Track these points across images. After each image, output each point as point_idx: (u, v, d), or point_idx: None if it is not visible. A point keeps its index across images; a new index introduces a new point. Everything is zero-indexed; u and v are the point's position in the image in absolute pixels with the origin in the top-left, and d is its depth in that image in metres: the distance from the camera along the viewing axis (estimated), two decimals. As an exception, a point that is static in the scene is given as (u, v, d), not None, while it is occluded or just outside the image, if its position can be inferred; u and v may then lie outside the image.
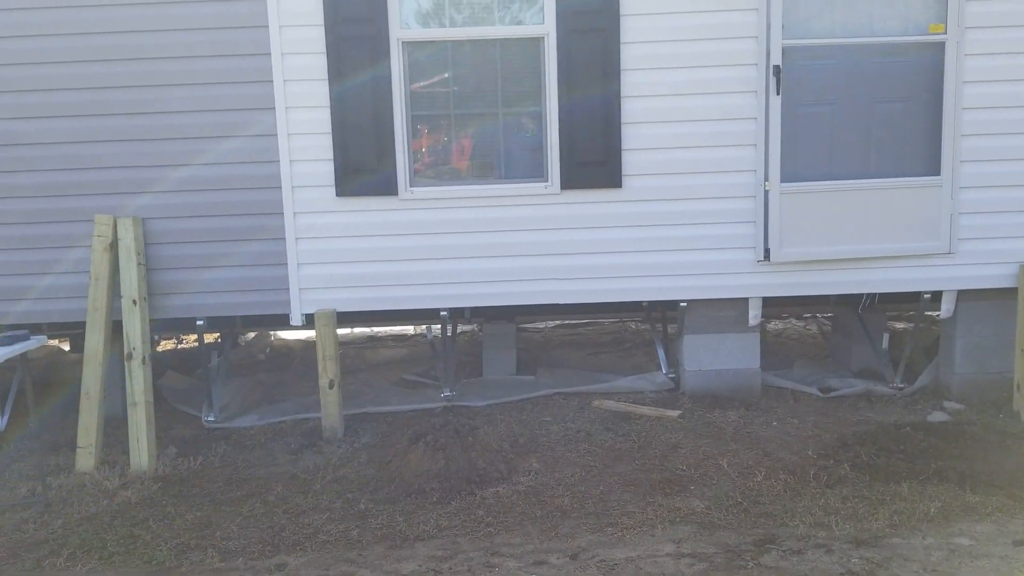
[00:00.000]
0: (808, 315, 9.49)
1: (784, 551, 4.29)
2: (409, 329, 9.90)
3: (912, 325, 8.19)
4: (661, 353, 7.24)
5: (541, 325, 9.71)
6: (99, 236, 6.02)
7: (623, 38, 6.07)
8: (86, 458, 5.83)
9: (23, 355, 5.45)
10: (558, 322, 9.73)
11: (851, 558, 4.21)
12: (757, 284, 6.37)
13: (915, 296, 6.67)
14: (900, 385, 6.73)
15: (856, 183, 6.23)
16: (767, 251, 6.25)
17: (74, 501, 5.28)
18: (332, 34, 6.03)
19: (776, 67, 5.99)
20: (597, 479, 5.28)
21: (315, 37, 6.06)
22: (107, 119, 6.10)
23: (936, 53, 6.17)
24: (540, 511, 4.87)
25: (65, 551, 4.60)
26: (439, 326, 6.99)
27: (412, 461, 5.34)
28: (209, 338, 8.37)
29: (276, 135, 6.12)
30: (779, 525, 4.59)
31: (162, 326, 6.90)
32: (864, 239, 6.27)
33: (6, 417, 6.59)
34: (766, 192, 6.18)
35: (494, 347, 7.52)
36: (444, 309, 6.51)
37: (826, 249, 6.25)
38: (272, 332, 9.29)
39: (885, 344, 6.92)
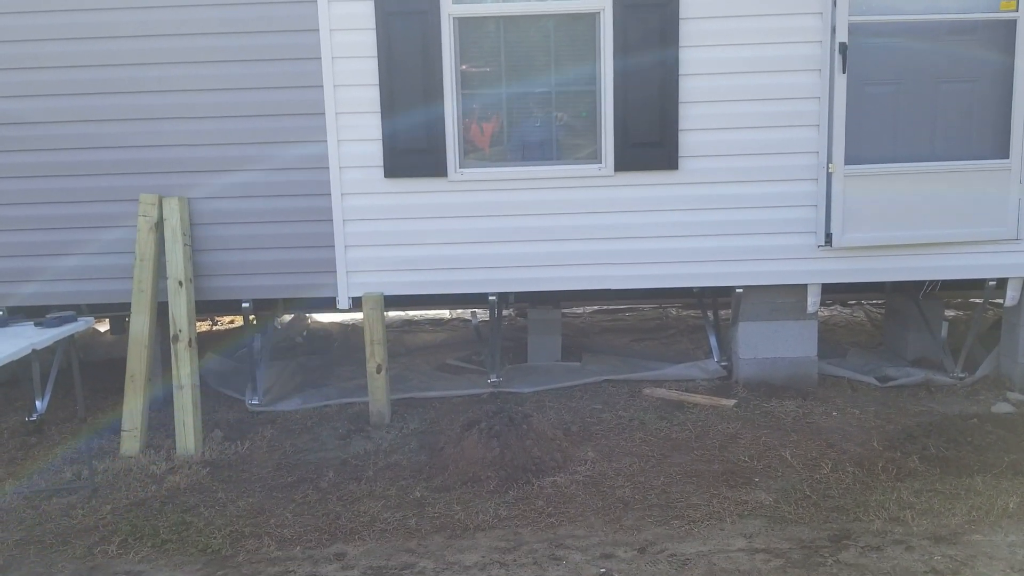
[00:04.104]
0: (853, 302, 9.29)
1: (862, 547, 4.13)
2: (445, 313, 9.76)
3: (969, 312, 8.03)
4: (713, 340, 7.07)
5: (579, 311, 9.55)
6: (144, 216, 5.90)
7: (682, 13, 5.87)
8: (131, 442, 5.73)
9: (69, 337, 5.34)
10: (596, 307, 9.57)
11: (933, 555, 4.04)
12: (817, 270, 6.17)
13: (973, 283, 6.48)
14: (960, 375, 6.54)
15: (921, 166, 6.01)
16: (828, 236, 6.06)
17: (121, 486, 5.18)
18: (382, 9, 5.87)
19: (842, 44, 5.77)
20: (656, 469, 5.13)
21: (364, 12, 5.89)
22: (153, 96, 5.97)
23: (1007, 31, 5.93)
24: (601, 502, 4.72)
25: (116, 538, 4.49)
26: (481, 311, 6.84)
27: (466, 449, 5.20)
28: (240, 319, 8.27)
29: (324, 114, 5.97)
30: (852, 520, 4.42)
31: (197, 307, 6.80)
32: (928, 224, 6.07)
33: (47, 399, 6.49)
34: (829, 175, 5.98)
35: (539, 333, 7.36)
36: (492, 294, 6.37)
37: (890, 234, 6.05)
38: (309, 315, 9.18)
39: (944, 333, 6.71)
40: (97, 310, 6.58)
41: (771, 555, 4.09)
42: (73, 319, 5.24)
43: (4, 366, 4.71)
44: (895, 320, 7.38)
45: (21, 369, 5.89)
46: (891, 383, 6.53)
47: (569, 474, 5.08)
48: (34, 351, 4.84)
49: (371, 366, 6.11)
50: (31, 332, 5.01)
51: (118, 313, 7.00)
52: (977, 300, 7.05)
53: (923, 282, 6.48)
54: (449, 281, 6.24)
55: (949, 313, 8.21)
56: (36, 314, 5.89)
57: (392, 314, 9.44)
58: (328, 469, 5.29)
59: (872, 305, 9.12)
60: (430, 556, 4.21)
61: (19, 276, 6.16)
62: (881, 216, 6.04)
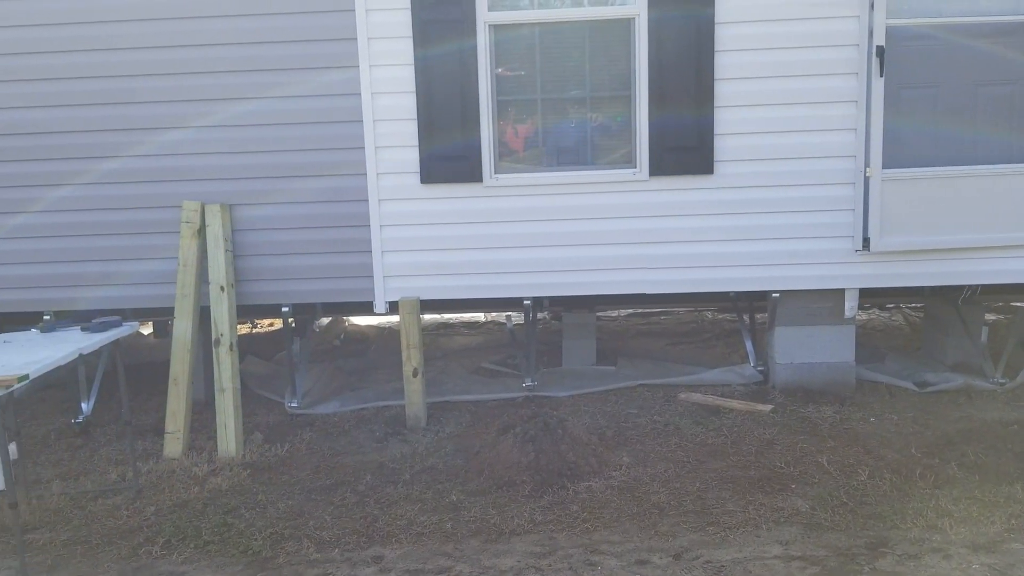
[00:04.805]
0: (891, 305, 9.20)
1: (900, 555, 4.11)
2: (480, 316, 9.82)
3: (1010, 317, 7.92)
4: (749, 345, 7.05)
5: (614, 314, 9.56)
6: (187, 222, 6.02)
7: (717, 18, 5.87)
8: (174, 444, 5.85)
9: (114, 341, 5.45)
10: (631, 311, 9.57)
11: (971, 564, 4.01)
12: (855, 275, 6.14)
13: (1014, 287, 6.39)
14: (1001, 381, 6.46)
15: (960, 170, 5.95)
16: (866, 240, 6.02)
17: (165, 487, 5.29)
18: (419, 17, 5.93)
19: (879, 47, 5.73)
20: (692, 475, 5.13)
21: (402, 21, 5.96)
22: (196, 105, 6.08)
23: (1049, 33, 5.87)
24: (636, 507, 4.74)
25: (160, 539, 4.59)
26: (515, 314, 6.88)
27: (502, 453, 5.24)
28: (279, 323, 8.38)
29: (362, 121, 6.06)
30: (890, 528, 4.40)
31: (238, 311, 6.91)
32: (968, 228, 6.00)
33: (92, 402, 6.64)
34: (867, 179, 5.94)
35: (574, 336, 7.39)
36: (527, 298, 6.41)
37: (928, 238, 6.00)
38: (346, 318, 9.28)
39: (984, 337, 6.63)
40: (141, 314, 6.71)
41: (807, 563, 4.08)
42: (118, 324, 5.33)
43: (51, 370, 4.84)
44: (934, 324, 7.30)
45: (67, 373, 6.03)
46: (930, 389, 6.47)
47: (604, 479, 5.10)
48: (80, 355, 4.96)
49: (407, 370, 6.18)
50: (78, 337, 5.11)
51: (161, 317, 7.13)
52: (1018, 304, 6.96)
53: (962, 286, 6.41)
54: (484, 285, 6.29)
55: (989, 317, 8.11)
56: (82, 318, 6.01)
57: (427, 317, 9.52)
58: (365, 472, 5.37)
59: (910, 309, 9.03)
60: (466, 560, 4.26)
61: (66, 281, 6.32)
62: (919, 220, 5.99)
